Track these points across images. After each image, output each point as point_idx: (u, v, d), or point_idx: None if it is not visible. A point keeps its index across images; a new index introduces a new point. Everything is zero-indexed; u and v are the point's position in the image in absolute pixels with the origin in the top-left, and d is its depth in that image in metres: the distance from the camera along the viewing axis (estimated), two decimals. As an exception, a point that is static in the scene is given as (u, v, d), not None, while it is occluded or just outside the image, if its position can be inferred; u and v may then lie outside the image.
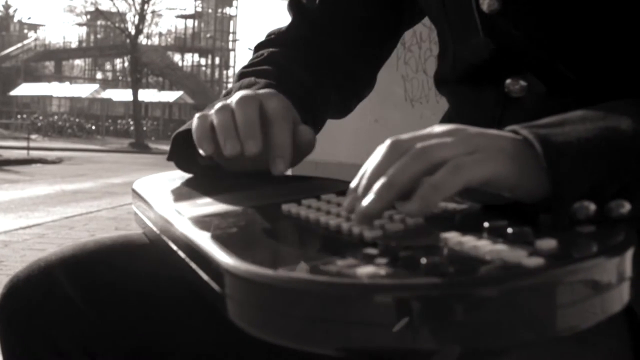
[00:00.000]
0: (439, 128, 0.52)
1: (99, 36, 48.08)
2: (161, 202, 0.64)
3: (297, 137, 0.70)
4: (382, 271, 0.40)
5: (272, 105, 0.68)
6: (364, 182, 0.50)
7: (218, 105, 0.69)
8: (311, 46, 0.89)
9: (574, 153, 0.50)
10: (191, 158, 0.75)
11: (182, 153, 0.75)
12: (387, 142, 0.51)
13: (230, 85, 0.89)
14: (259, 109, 0.68)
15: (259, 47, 0.91)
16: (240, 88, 0.79)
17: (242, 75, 0.84)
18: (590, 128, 0.52)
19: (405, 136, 0.51)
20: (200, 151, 0.68)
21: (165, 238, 0.59)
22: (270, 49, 0.89)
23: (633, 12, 0.65)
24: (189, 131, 0.72)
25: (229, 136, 0.66)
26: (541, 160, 0.49)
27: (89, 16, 46.67)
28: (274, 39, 0.91)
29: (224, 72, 48.40)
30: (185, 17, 48.07)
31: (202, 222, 0.56)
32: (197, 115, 0.70)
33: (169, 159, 0.77)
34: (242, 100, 0.68)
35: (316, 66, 0.87)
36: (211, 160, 0.74)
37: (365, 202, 0.49)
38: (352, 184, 0.52)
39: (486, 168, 0.49)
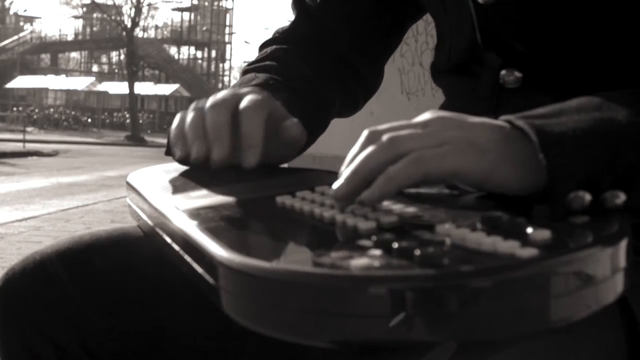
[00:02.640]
0: (421, 117, 0.53)
1: (95, 29, 48.00)
2: (155, 194, 0.64)
3: (284, 132, 0.70)
4: (376, 263, 0.40)
5: (246, 100, 0.68)
6: (341, 168, 0.53)
7: (192, 105, 0.69)
8: (315, 43, 0.89)
9: (570, 143, 0.50)
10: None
11: None
12: (364, 132, 0.53)
13: (226, 79, 0.89)
14: (233, 109, 0.67)
15: (263, 46, 0.91)
16: (241, 84, 0.79)
17: (245, 72, 0.84)
18: (585, 118, 0.52)
19: (381, 126, 0.53)
20: (176, 152, 0.68)
21: (159, 231, 0.59)
22: (274, 46, 0.89)
23: (627, 3, 0.64)
24: None
25: (195, 139, 0.66)
26: (537, 150, 0.49)
27: (85, 9, 46.63)
28: (278, 37, 0.91)
29: (220, 65, 48.35)
30: (182, 10, 47.97)
31: (196, 214, 0.55)
32: (177, 115, 0.70)
33: (167, 153, 0.77)
34: (215, 101, 0.67)
35: (321, 63, 0.87)
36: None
37: (334, 186, 0.51)
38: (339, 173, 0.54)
39: (448, 162, 0.50)
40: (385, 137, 0.51)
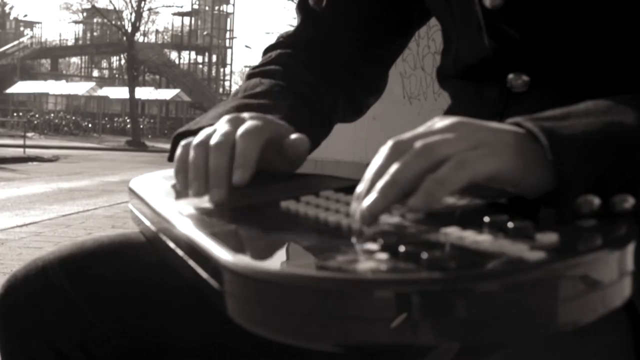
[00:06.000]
0: (440, 123, 0.51)
1: (95, 34, 48.08)
2: (158, 200, 0.64)
3: (288, 148, 0.68)
4: (383, 266, 0.40)
5: (243, 127, 0.66)
6: (366, 183, 0.50)
7: (199, 138, 0.66)
8: (319, 48, 0.89)
9: (580, 146, 0.49)
10: None
11: None
12: (389, 142, 0.51)
13: (227, 83, 0.88)
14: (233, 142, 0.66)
15: (268, 50, 0.90)
16: (245, 90, 0.79)
17: (249, 76, 0.84)
18: (594, 122, 0.51)
19: (406, 135, 0.51)
20: (177, 183, 0.67)
21: (162, 236, 0.58)
22: (279, 51, 0.88)
23: (634, 7, 0.64)
24: (189, 132, 0.71)
25: (196, 178, 0.64)
26: (547, 153, 0.49)
27: (85, 14, 46.69)
28: (283, 42, 0.91)
29: (221, 69, 48.43)
30: (182, 14, 48.05)
31: (200, 219, 0.55)
32: (182, 142, 0.69)
33: (170, 159, 0.76)
34: (217, 143, 0.65)
35: (324, 67, 0.87)
36: None
37: (368, 201, 0.48)
38: (358, 189, 0.51)
39: (491, 163, 0.48)
40: (418, 145, 0.49)
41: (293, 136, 0.68)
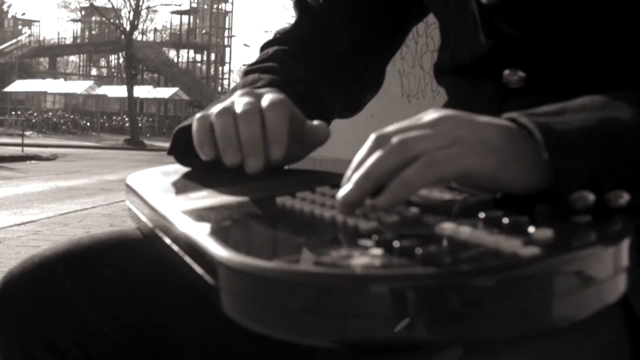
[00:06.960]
0: (427, 117, 0.52)
1: (93, 32, 48.06)
2: (155, 196, 0.64)
3: (310, 133, 0.70)
4: (377, 262, 0.40)
5: (269, 97, 0.68)
6: (349, 172, 0.52)
7: (219, 107, 0.68)
8: (316, 44, 0.89)
9: (575, 142, 0.49)
10: (192, 153, 0.74)
11: (183, 148, 0.75)
12: (372, 135, 0.52)
13: (225, 82, 0.88)
14: (261, 113, 0.67)
15: (265, 47, 0.91)
16: (244, 85, 0.79)
17: (247, 73, 0.84)
18: (590, 117, 0.52)
19: (389, 128, 0.52)
20: (201, 155, 0.68)
21: (159, 232, 0.58)
22: (276, 47, 0.89)
23: (631, 3, 0.64)
24: (190, 127, 0.71)
25: (229, 146, 0.66)
26: (541, 148, 0.49)
27: (83, 12, 46.68)
28: (280, 38, 0.91)
29: (220, 68, 48.44)
30: (181, 13, 48.05)
31: (196, 215, 0.55)
32: (197, 116, 0.70)
33: (169, 153, 0.77)
34: (245, 111, 0.66)
35: (321, 64, 0.87)
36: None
37: (344, 191, 0.50)
38: (346, 174, 0.53)
39: (460, 163, 0.49)
40: (395, 140, 0.50)
41: (315, 121, 0.69)
